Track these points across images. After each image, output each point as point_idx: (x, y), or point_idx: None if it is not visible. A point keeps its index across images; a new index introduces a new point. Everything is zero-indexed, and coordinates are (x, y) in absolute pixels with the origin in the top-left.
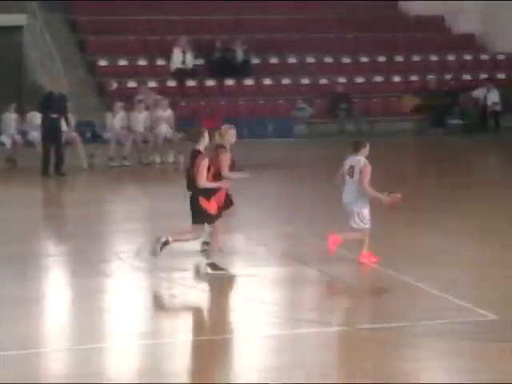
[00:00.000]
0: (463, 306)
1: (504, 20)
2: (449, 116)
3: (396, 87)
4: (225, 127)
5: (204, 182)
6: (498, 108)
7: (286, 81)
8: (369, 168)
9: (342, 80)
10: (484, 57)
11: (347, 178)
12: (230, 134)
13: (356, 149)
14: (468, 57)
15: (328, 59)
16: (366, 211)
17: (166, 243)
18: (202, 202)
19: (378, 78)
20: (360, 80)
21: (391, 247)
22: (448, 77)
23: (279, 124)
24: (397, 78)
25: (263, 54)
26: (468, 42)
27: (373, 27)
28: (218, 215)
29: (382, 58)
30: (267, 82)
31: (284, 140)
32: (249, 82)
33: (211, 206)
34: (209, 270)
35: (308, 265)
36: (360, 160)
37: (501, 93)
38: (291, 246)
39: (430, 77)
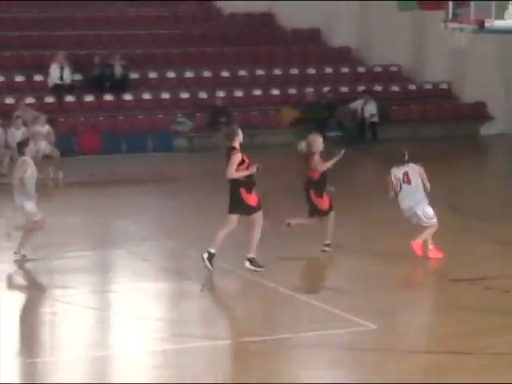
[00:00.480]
0: (343, 316)
1: (379, 33)
2: (327, 128)
3: (275, 100)
4: (312, 136)
5: (231, 172)
6: (376, 120)
7: (165, 95)
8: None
9: (221, 93)
10: (361, 69)
11: (404, 185)
12: (318, 142)
13: (402, 160)
14: (345, 69)
15: (207, 73)
16: (429, 209)
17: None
18: (243, 193)
19: (257, 91)
20: (239, 93)
21: (271, 260)
22: (326, 89)
23: (159, 138)
24: (275, 91)
25: (142, 69)
26: (345, 54)
27: (251, 41)
28: (259, 208)
29: (260, 72)
30: (146, 96)
31: (165, 154)
32: (128, 97)
33: (251, 198)
34: (247, 265)
35: (190, 279)
36: (413, 166)
37: (378, 105)
38: (173, 260)
39: (308, 90)
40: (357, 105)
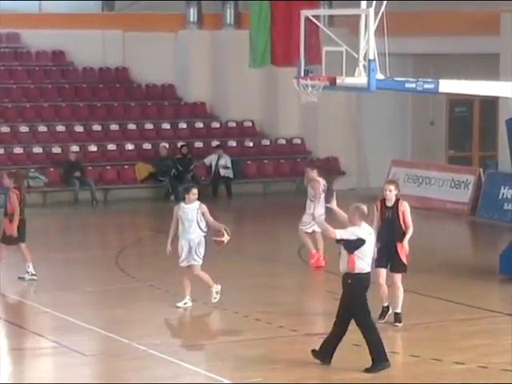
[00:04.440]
0: (197, 371)
1: (232, 88)
2: (181, 183)
3: (129, 155)
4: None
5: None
6: (230, 175)
7: (17, 150)
8: None
9: (75, 148)
10: (215, 124)
11: None
12: None
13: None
14: (199, 124)
15: (60, 128)
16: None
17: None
18: (400, 249)
19: (111, 146)
20: (93, 148)
21: (125, 315)
22: (180, 144)
23: None
24: (130, 147)
25: None
26: (199, 110)
27: (105, 96)
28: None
29: (114, 127)
30: None
31: None
32: None
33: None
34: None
35: (43, 336)
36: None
37: (232, 160)
38: (26, 317)
39: (163, 144)
40: (211, 160)
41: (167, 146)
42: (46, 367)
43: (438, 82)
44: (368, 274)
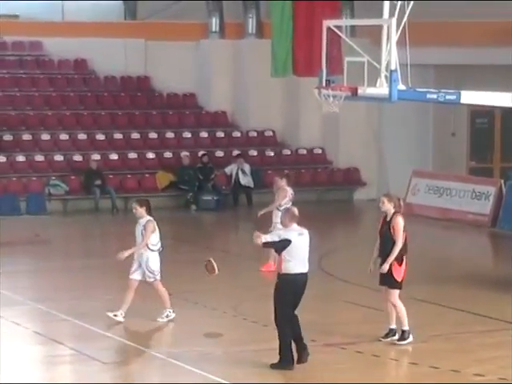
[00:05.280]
0: (215, 380)
1: (254, 98)
2: (202, 192)
3: (150, 164)
4: None
5: None
6: (250, 184)
7: (39, 157)
8: None
9: (96, 156)
10: (236, 134)
11: None
12: None
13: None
14: (220, 134)
15: (82, 136)
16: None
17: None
18: (393, 265)
19: (132, 155)
20: (114, 156)
21: (143, 323)
22: (201, 153)
23: (32, 201)
24: (151, 155)
25: (15, 131)
26: (220, 119)
27: (126, 104)
28: (401, 284)
29: (135, 135)
30: (20, 158)
31: (38, 217)
32: (1, 158)
33: (398, 272)
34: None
35: (63, 344)
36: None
37: (253, 169)
38: (45, 324)
39: (185, 153)
40: (231, 169)
41: (189, 154)
42: (65, 375)
43: (459, 93)
44: (299, 275)
